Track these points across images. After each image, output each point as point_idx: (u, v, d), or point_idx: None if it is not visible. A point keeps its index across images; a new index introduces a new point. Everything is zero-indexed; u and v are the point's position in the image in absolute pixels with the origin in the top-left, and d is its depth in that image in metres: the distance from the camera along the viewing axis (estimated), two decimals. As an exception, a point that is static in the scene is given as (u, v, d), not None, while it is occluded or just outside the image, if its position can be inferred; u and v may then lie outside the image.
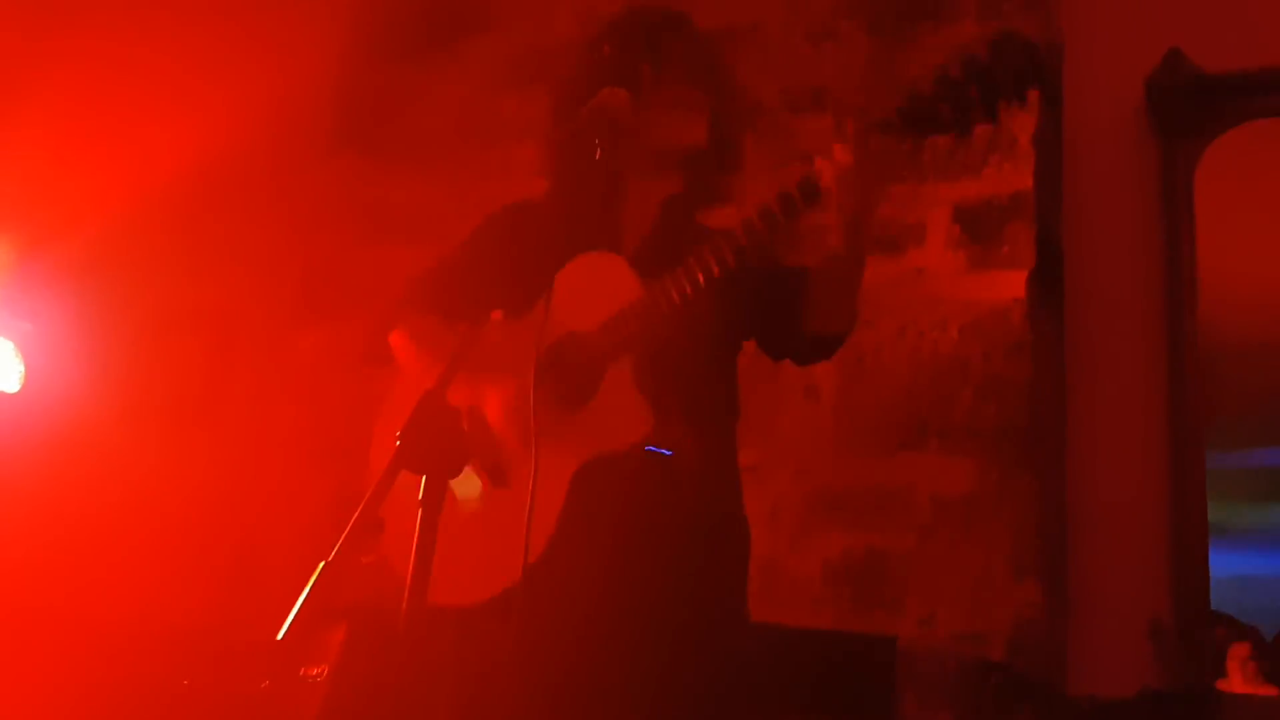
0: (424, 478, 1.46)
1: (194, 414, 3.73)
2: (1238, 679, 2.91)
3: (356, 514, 1.45)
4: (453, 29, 4.14)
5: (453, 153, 3.99)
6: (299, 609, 1.39)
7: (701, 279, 1.77)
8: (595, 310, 1.85)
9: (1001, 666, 2.94)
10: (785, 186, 1.75)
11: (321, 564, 1.39)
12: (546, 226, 1.97)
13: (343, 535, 1.43)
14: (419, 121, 4.13)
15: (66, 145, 3.11)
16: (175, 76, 3.29)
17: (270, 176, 3.90)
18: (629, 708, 1.77)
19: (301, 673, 2.46)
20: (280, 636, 1.39)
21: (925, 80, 1.66)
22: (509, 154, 3.75)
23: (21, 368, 3.31)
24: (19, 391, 3.30)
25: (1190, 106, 3.34)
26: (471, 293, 1.98)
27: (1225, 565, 3.10)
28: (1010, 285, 3.16)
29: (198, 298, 3.79)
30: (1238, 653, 2.93)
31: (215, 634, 2.87)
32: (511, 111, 3.89)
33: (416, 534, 1.44)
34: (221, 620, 3.13)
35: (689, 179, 2.03)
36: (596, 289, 1.86)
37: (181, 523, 3.53)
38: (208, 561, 3.59)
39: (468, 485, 1.86)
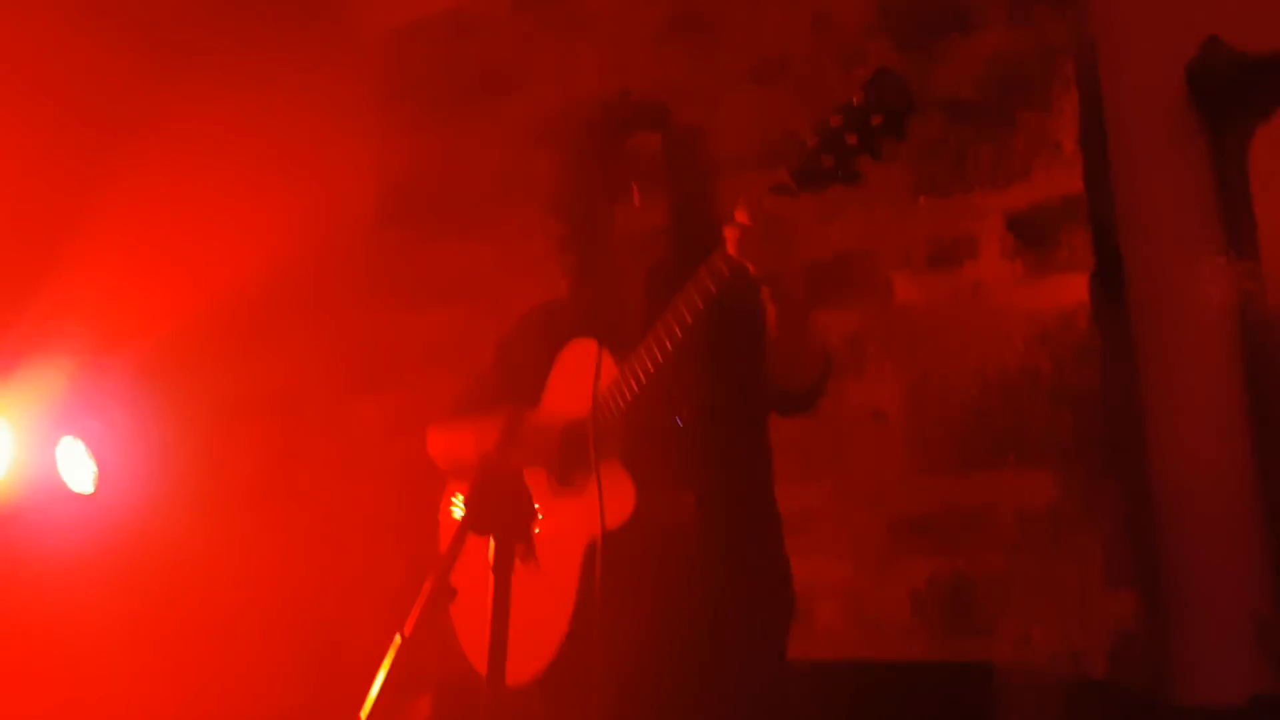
0: (492, 540, 1.45)
1: (268, 498, 3.76)
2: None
3: (428, 582, 1.44)
4: (481, 92, 4.18)
5: (493, 213, 4.02)
6: (379, 684, 1.39)
7: (659, 357, 1.82)
8: (584, 394, 1.90)
9: (1104, 683, 2.84)
10: (713, 260, 1.77)
11: (398, 636, 1.38)
12: (571, 322, 2.05)
13: (416, 605, 1.42)
14: (457, 185, 4.17)
15: (135, 256, 3.25)
16: (229, 191, 3.43)
17: (322, 259, 3.96)
18: None
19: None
20: (364, 714, 1.38)
21: (810, 133, 1.66)
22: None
23: (94, 467, 3.35)
24: (94, 492, 3.34)
25: (1235, 90, 3.27)
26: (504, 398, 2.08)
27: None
28: (1073, 289, 3.09)
29: (261, 383, 3.83)
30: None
31: (306, 717, 2.87)
32: (545, 169, 3.90)
33: (492, 598, 1.43)
34: (311, 702, 3.13)
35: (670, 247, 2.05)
36: (581, 374, 1.93)
37: (266, 609, 3.55)
38: (295, 645, 3.59)
39: None
